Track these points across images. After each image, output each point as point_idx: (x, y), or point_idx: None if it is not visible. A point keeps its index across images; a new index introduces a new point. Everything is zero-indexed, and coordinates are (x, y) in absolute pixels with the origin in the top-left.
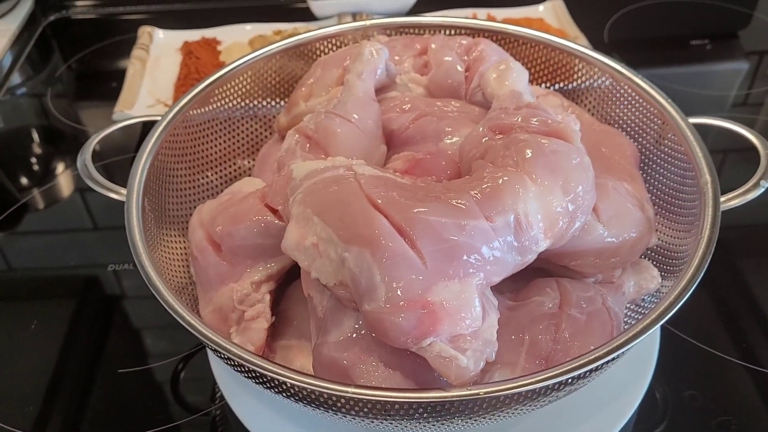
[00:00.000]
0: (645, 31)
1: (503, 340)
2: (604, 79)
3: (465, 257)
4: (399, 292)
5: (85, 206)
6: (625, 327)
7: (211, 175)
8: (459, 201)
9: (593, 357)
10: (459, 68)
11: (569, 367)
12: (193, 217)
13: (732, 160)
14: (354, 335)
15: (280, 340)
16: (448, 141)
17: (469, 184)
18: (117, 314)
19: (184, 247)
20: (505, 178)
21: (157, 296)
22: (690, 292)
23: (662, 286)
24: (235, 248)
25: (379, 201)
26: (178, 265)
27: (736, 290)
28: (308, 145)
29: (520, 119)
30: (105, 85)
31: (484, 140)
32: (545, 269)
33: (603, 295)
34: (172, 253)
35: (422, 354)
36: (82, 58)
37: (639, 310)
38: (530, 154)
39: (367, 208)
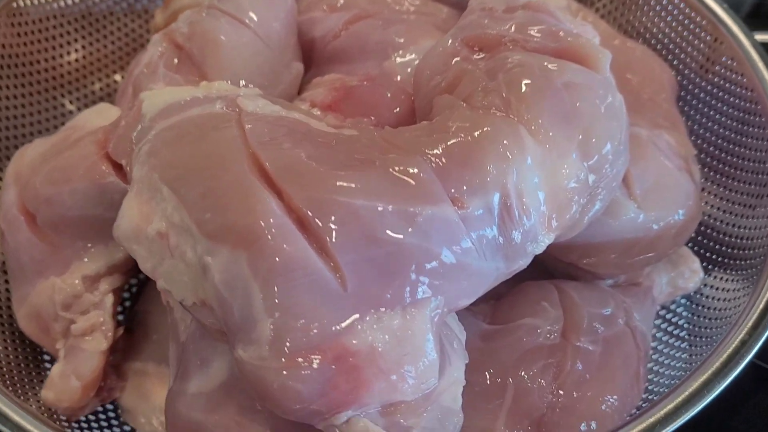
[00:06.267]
0: None
1: (474, 389)
2: None
3: (413, 271)
4: (295, 333)
5: None
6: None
7: (65, 97)
8: (407, 168)
9: None
10: None
11: None
12: (10, 166)
13: None
14: (228, 385)
15: (135, 359)
16: (399, 60)
17: (427, 136)
18: None
19: None
20: (487, 129)
21: None
22: None
23: (704, 285)
24: (58, 222)
25: (268, 165)
26: None
27: None
28: (176, 59)
29: (513, 28)
30: None
31: (455, 61)
32: (539, 262)
33: (626, 308)
34: None
35: None
36: None
37: (669, 317)
38: (529, 88)
39: (247, 179)
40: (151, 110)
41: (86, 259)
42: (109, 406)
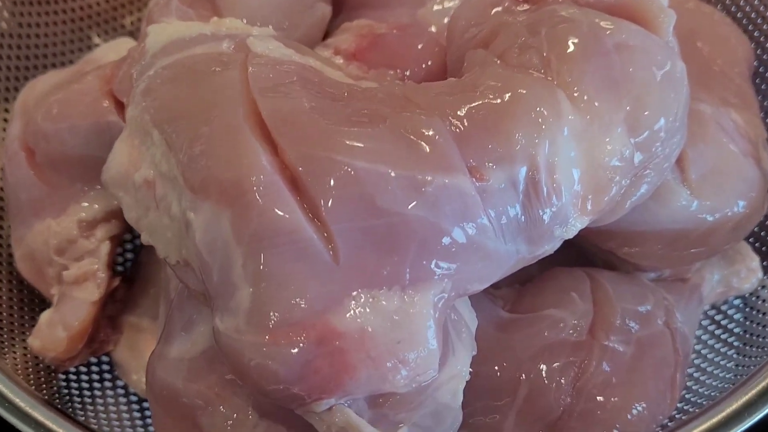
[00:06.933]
0: None
1: (482, 383)
2: None
3: (416, 247)
4: (276, 306)
5: None
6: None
7: (92, 29)
8: (421, 130)
9: None
10: None
11: None
12: (19, 98)
13: None
14: (210, 354)
15: (131, 313)
16: (436, 7)
17: (451, 95)
18: None
19: None
20: (520, 91)
21: None
22: None
23: (762, 287)
24: (56, 161)
25: (265, 114)
26: None
27: None
28: None
29: None
30: None
31: (494, 11)
32: (577, 245)
33: (667, 306)
34: None
35: (313, 423)
36: None
37: (719, 319)
38: (574, 48)
39: (239, 128)
40: (155, 46)
41: (84, 203)
42: (105, 358)
